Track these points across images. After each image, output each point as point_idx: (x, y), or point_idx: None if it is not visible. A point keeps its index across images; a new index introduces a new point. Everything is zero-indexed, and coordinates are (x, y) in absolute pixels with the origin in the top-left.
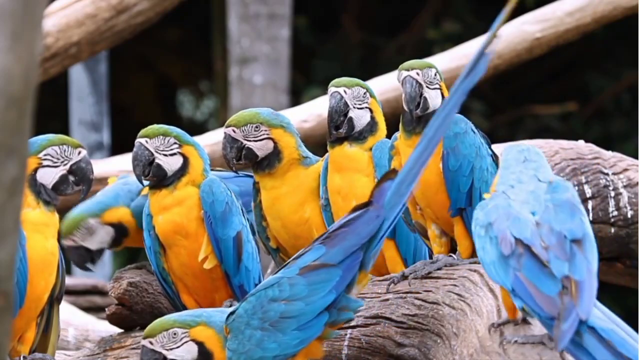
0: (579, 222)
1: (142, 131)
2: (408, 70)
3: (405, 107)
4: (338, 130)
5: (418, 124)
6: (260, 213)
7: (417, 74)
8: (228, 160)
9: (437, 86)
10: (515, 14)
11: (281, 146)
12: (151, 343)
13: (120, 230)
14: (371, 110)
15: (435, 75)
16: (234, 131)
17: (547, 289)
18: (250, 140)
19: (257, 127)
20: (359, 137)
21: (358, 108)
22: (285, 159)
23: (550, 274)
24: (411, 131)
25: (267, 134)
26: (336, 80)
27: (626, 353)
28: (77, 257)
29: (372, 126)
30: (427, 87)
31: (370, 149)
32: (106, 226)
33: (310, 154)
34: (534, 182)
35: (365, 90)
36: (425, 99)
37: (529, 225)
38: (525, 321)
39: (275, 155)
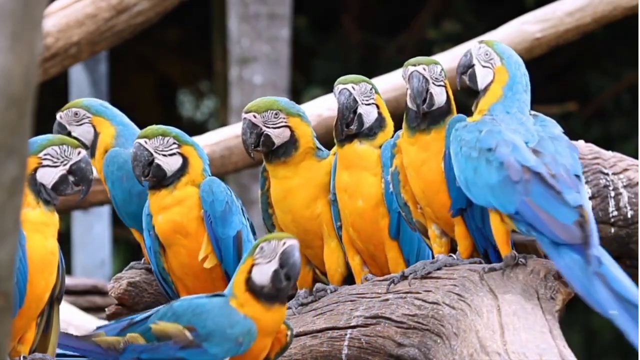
0: (576, 159)
1: (141, 132)
2: (415, 65)
3: (411, 103)
4: (349, 127)
5: (422, 120)
6: (266, 200)
7: (424, 69)
8: (247, 146)
9: (442, 83)
10: (515, 14)
11: (298, 135)
12: (255, 117)
13: (95, 138)
14: (377, 106)
15: (441, 72)
16: (254, 117)
17: (562, 217)
18: (269, 127)
19: (276, 114)
20: (369, 133)
21: (366, 104)
22: (301, 148)
23: (565, 202)
24: (415, 128)
25: (285, 122)
26: (342, 77)
27: (622, 292)
28: None
29: (380, 122)
30: (433, 83)
31: (380, 147)
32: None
33: (322, 148)
34: (526, 112)
35: (371, 87)
36: (432, 94)
37: (530, 153)
38: (516, 264)
39: (292, 143)
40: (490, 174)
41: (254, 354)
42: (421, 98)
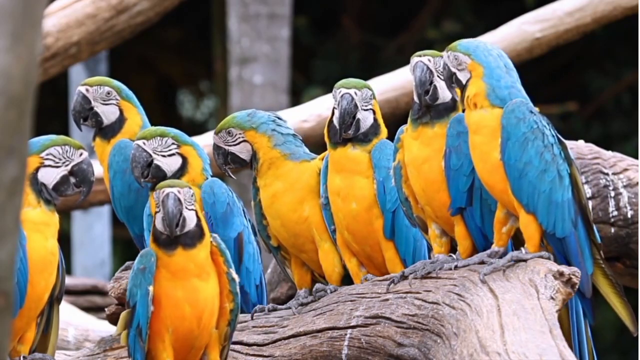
0: None
1: (140, 133)
2: (420, 56)
3: (415, 95)
4: (346, 132)
5: (426, 113)
6: (260, 212)
7: (429, 60)
8: (218, 166)
9: None
10: (515, 14)
11: (256, 147)
12: (215, 138)
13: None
14: (374, 112)
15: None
16: (214, 138)
17: (589, 267)
18: (230, 145)
19: (229, 132)
20: (364, 139)
21: (364, 109)
22: (261, 159)
23: (592, 254)
24: (417, 120)
25: (242, 137)
26: (344, 81)
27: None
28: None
29: (375, 128)
30: (438, 76)
31: (371, 152)
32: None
33: (295, 150)
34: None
35: (371, 92)
36: (436, 87)
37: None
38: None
39: (253, 156)
40: (562, 189)
41: (188, 295)
42: (424, 88)
